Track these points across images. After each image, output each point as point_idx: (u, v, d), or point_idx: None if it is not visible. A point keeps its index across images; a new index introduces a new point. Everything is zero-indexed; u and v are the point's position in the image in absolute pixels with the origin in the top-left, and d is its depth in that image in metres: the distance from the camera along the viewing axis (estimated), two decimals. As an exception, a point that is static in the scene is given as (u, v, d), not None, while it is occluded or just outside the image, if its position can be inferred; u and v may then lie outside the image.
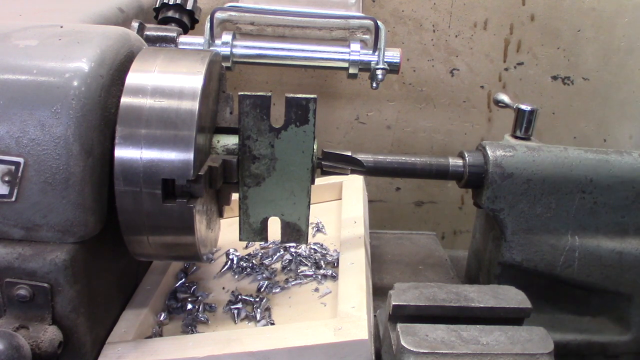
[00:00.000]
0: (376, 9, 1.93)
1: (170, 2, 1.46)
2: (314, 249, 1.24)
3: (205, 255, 0.97)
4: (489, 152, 1.15)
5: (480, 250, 1.34)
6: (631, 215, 1.20)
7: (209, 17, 1.39)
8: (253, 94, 0.93)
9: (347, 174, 1.13)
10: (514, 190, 1.15)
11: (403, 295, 0.95)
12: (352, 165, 1.12)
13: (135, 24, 1.34)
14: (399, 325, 0.89)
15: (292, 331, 0.92)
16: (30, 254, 0.81)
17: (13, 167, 0.79)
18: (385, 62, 1.41)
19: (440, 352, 0.84)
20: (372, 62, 1.42)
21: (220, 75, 1.03)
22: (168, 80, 0.86)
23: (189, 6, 1.48)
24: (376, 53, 1.41)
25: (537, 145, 1.21)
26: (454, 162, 1.17)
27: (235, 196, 1.03)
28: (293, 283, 1.15)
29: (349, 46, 1.42)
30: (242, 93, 0.93)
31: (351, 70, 1.43)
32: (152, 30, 1.38)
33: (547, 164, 1.15)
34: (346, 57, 1.41)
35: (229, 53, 1.40)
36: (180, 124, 0.83)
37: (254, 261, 1.22)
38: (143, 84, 0.85)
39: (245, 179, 0.98)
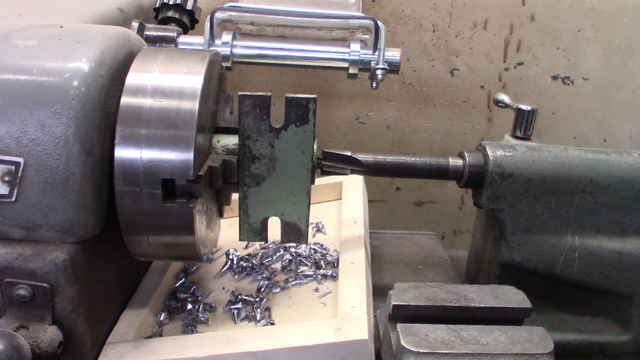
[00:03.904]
0: (376, 9, 1.93)
1: (170, 2, 1.45)
2: (314, 249, 1.24)
3: (205, 255, 0.97)
4: (489, 152, 1.15)
5: (480, 250, 1.34)
6: (631, 215, 1.20)
7: (209, 17, 1.39)
8: (253, 94, 0.93)
9: (347, 174, 1.13)
10: (514, 190, 1.15)
11: (403, 295, 0.95)
12: (352, 165, 1.12)
13: (135, 24, 1.34)
14: (399, 325, 0.89)
15: (292, 331, 0.92)
16: (30, 254, 0.81)
17: (13, 167, 0.79)
18: (385, 62, 1.41)
19: (440, 352, 0.84)
20: (372, 62, 1.42)
21: (220, 75, 1.03)
22: (168, 80, 0.86)
23: (189, 6, 1.48)
24: (376, 53, 1.41)
25: (537, 145, 1.21)
26: (454, 162, 1.17)
27: (235, 196, 1.03)
28: (293, 283, 1.15)
29: (349, 46, 1.42)
30: (242, 93, 0.93)
31: (351, 70, 1.43)
32: (152, 30, 1.38)
33: (547, 164, 1.15)
34: (346, 57, 1.41)
35: (229, 53, 1.40)
36: (180, 124, 0.83)
37: (254, 261, 1.22)
38: (143, 84, 0.85)
39: (245, 179, 0.98)
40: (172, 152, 0.82)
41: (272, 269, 1.20)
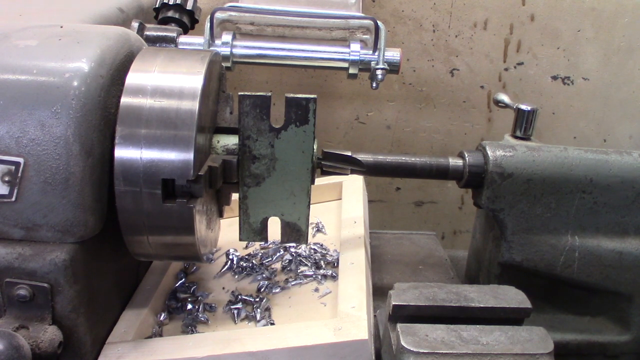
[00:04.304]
0: (376, 9, 1.93)
1: (170, 2, 1.46)
2: (314, 249, 1.24)
3: (205, 255, 0.97)
4: (489, 152, 1.15)
5: (480, 250, 1.34)
6: (631, 215, 1.20)
7: (209, 17, 1.39)
8: (253, 94, 0.93)
9: (347, 174, 1.13)
10: (514, 190, 1.15)
11: (403, 295, 0.95)
12: (352, 165, 1.12)
13: (135, 24, 1.34)
14: (399, 325, 0.89)
15: (292, 331, 0.92)
16: (30, 254, 0.81)
17: (13, 167, 0.79)
18: (385, 62, 1.41)
19: (440, 352, 0.84)
20: (372, 62, 1.42)
21: (220, 75, 1.03)
22: (168, 80, 0.86)
23: (189, 6, 1.48)
24: (376, 53, 1.41)
25: (537, 145, 1.21)
26: (454, 162, 1.17)
27: (235, 196, 1.03)
28: (293, 283, 1.15)
29: (349, 46, 1.42)
30: (242, 93, 0.93)
31: (351, 70, 1.43)
32: (152, 30, 1.38)
33: (547, 164, 1.15)
34: (346, 57, 1.41)
35: (229, 53, 1.40)
36: (180, 124, 0.83)
37: (254, 261, 1.22)
38: (143, 84, 0.85)
39: (245, 179, 0.98)
40: (172, 152, 0.82)
41: (272, 269, 1.20)
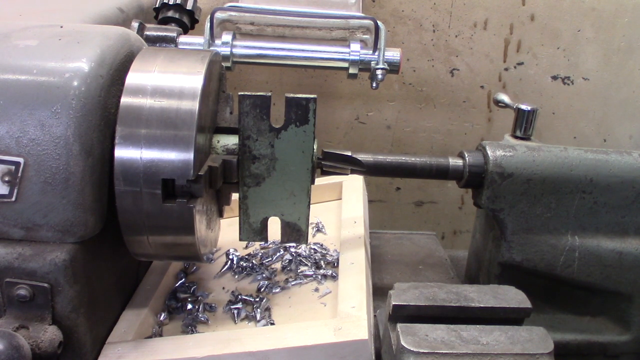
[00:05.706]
0: (376, 9, 1.93)
1: (170, 2, 1.46)
2: (314, 249, 1.24)
3: (205, 255, 0.97)
4: (489, 152, 1.15)
5: (480, 250, 1.34)
6: (631, 215, 1.20)
7: (209, 17, 1.39)
8: (253, 94, 0.93)
9: (347, 174, 1.13)
10: (514, 190, 1.15)
11: (403, 295, 0.95)
12: (352, 165, 1.12)
13: (135, 24, 1.34)
14: (399, 325, 0.89)
15: (292, 331, 0.92)
16: (30, 254, 0.81)
17: (13, 167, 0.79)
18: (385, 62, 1.41)
19: (440, 352, 0.84)
20: (372, 62, 1.42)
21: (220, 75, 1.03)
22: (168, 80, 0.86)
23: (189, 6, 1.48)
24: (376, 53, 1.41)
25: (537, 145, 1.21)
26: (454, 162, 1.17)
27: (235, 196, 1.04)
28: (293, 283, 1.15)
29: (349, 46, 1.42)
30: (242, 93, 0.93)
31: (351, 70, 1.43)
32: (152, 30, 1.38)
33: (547, 164, 1.15)
34: (346, 57, 1.41)
35: (229, 53, 1.40)
36: (180, 124, 0.83)
37: (254, 261, 1.22)
38: (143, 84, 0.85)
39: (245, 179, 0.98)
40: (172, 152, 0.82)
41: (272, 269, 1.20)
